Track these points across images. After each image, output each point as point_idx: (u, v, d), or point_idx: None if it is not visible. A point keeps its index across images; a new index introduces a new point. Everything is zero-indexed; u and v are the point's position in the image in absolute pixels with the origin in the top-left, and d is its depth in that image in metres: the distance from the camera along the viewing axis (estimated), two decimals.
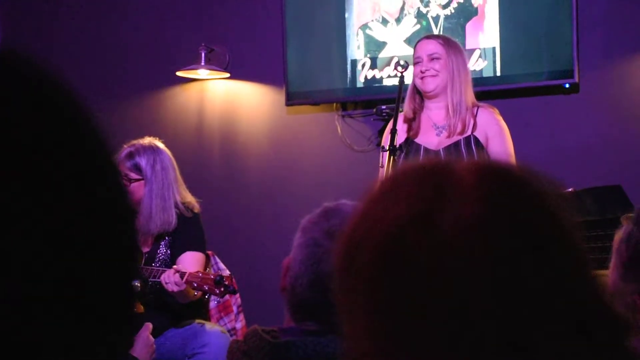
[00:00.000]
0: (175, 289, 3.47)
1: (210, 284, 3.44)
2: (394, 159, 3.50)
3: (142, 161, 3.79)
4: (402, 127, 3.78)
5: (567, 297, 0.84)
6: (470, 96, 3.75)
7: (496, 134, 3.72)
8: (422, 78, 3.76)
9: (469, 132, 3.72)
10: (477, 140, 3.70)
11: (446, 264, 0.82)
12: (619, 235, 1.70)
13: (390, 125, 3.75)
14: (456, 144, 3.71)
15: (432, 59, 3.75)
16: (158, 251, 3.85)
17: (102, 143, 0.71)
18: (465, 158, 3.37)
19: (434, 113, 3.79)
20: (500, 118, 3.78)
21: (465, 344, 0.81)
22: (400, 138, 3.75)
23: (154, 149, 3.84)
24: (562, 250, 0.86)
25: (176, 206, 3.81)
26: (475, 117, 3.74)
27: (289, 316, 1.66)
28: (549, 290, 0.83)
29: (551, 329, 0.82)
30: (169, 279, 3.47)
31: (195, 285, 3.46)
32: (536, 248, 0.84)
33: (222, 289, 3.44)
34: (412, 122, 3.77)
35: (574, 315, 0.84)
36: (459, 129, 3.71)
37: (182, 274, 3.48)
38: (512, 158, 3.74)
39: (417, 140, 3.77)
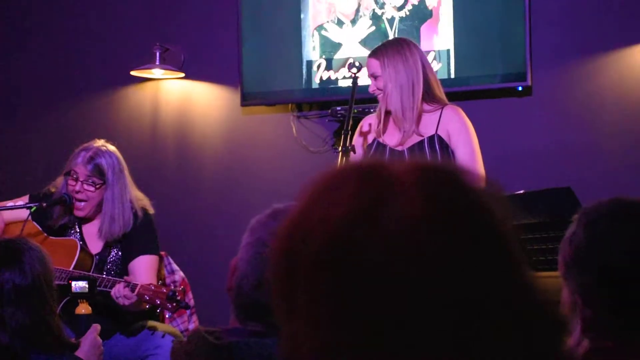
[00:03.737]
0: (126, 302, 3.43)
1: (162, 298, 3.40)
2: (346, 159, 3.50)
3: (104, 165, 3.77)
4: (372, 128, 3.81)
5: (502, 296, 0.85)
6: (419, 96, 3.72)
7: (457, 132, 3.72)
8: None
9: (432, 132, 3.73)
10: (440, 139, 3.71)
11: (390, 261, 0.83)
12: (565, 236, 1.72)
13: (360, 127, 3.77)
14: (420, 144, 3.72)
15: (374, 78, 3.76)
16: (110, 253, 3.83)
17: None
18: (428, 157, 3.39)
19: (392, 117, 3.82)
20: (463, 116, 3.78)
21: (406, 339, 0.82)
22: (370, 138, 3.79)
23: (110, 152, 3.82)
24: (497, 248, 0.87)
25: (131, 207, 3.80)
26: (440, 116, 3.75)
27: (234, 316, 1.65)
28: (485, 287, 0.84)
29: (486, 326, 0.83)
30: (119, 293, 3.44)
31: (146, 298, 3.42)
32: (473, 246, 0.85)
33: (175, 304, 3.40)
34: (380, 122, 3.79)
35: (509, 314, 0.85)
36: (411, 131, 3.72)
37: (133, 287, 3.44)
38: (476, 155, 3.73)
39: (381, 139, 3.79)
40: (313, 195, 0.90)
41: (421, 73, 3.71)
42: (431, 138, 3.72)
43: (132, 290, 3.41)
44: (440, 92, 3.79)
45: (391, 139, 3.78)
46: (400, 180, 0.86)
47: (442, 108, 3.76)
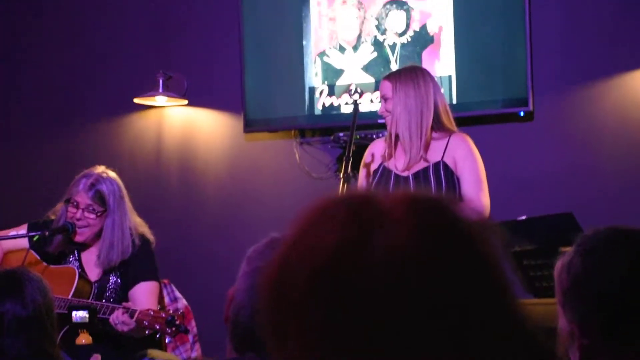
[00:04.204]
0: (125, 329, 3.42)
1: (162, 323, 3.38)
2: (348, 186, 3.51)
3: (105, 192, 3.76)
4: (377, 154, 3.83)
5: (490, 327, 0.86)
6: (429, 123, 3.75)
7: (463, 159, 3.73)
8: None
9: (438, 159, 3.74)
10: (446, 166, 3.72)
11: (377, 291, 0.84)
12: (559, 263, 1.71)
13: (364, 158, 3.79)
14: (425, 170, 3.73)
15: (385, 99, 3.79)
16: (109, 281, 3.82)
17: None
18: (433, 184, 3.38)
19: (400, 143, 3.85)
20: (470, 143, 3.79)
21: None
22: (376, 163, 3.80)
23: (111, 179, 3.81)
24: (485, 280, 0.88)
25: (130, 234, 3.79)
26: (447, 143, 3.76)
27: (231, 347, 1.65)
28: (473, 318, 0.85)
29: (473, 354, 0.84)
30: (118, 320, 3.42)
31: (145, 324, 3.40)
32: (459, 278, 0.86)
33: (174, 329, 3.39)
34: (388, 146, 3.81)
35: (496, 344, 0.86)
36: (418, 157, 3.73)
37: (132, 313, 3.43)
38: (481, 184, 3.73)
39: (387, 164, 3.80)
40: (304, 225, 0.91)
41: (432, 101, 3.74)
42: (436, 165, 3.73)
43: (131, 317, 3.40)
44: (449, 121, 3.81)
45: (398, 163, 3.79)
46: (390, 211, 0.88)
47: (450, 135, 3.77)
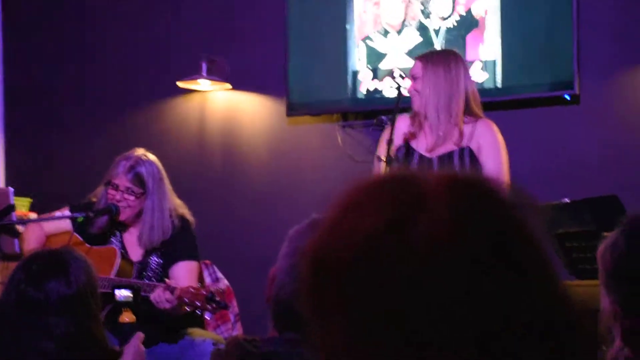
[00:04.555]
0: (167, 306, 3.45)
1: (202, 300, 3.42)
2: (390, 169, 3.50)
3: (144, 174, 3.80)
4: (404, 127, 3.81)
5: (532, 308, 0.85)
6: (459, 107, 3.74)
7: (487, 145, 3.73)
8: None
9: (465, 144, 3.73)
10: (471, 152, 3.72)
11: (417, 274, 0.83)
12: (603, 244, 1.70)
13: (385, 135, 3.76)
14: (450, 155, 3.73)
15: (414, 79, 3.79)
16: (150, 260, 3.86)
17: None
18: (457, 169, 3.37)
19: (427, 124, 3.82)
20: (496, 130, 3.78)
21: (434, 351, 0.82)
22: (398, 140, 3.78)
23: (150, 162, 3.85)
24: (528, 261, 0.86)
25: (170, 215, 3.83)
26: (474, 129, 3.75)
27: (273, 326, 1.66)
28: (515, 301, 0.84)
29: (516, 339, 0.83)
30: (160, 298, 3.46)
31: (186, 301, 3.44)
32: (501, 265, 0.85)
33: (214, 305, 3.42)
34: (414, 123, 3.80)
35: (540, 327, 0.84)
36: (444, 138, 3.73)
37: (172, 290, 3.46)
38: (503, 172, 3.73)
39: (412, 143, 3.79)
40: (346, 206, 0.90)
41: (462, 85, 3.74)
42: (462, 150, 3.73)
43: (172, 294, 3.44)
44: (478, 107, 3.81)
45: (423, 144, 3.78)
46: (431, 195, 0.86)
47: (477, 121, 3.77)
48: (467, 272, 0.83)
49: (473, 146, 3.72)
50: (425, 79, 3.73)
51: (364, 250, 0.85)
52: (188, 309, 3.52)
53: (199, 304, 3.41)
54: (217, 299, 3.40)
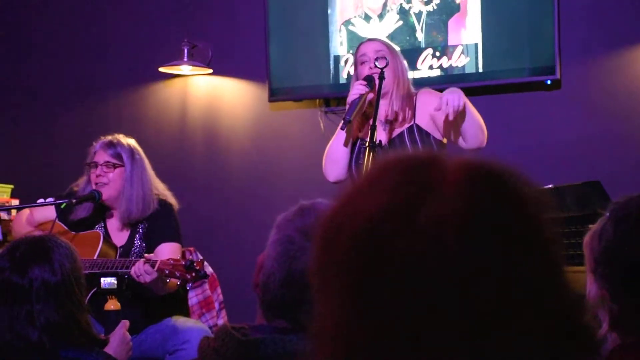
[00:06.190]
0: (148, 278, 3.47)
1: (181, 269, 3.46)
2: (373, 155, 3.48)
3: (122, 150, 3.86)
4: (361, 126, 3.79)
5: (536, 301, 0.84)
6: (408, 84, 3.78)
7: (428, 99, 3.71)
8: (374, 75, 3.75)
9: (411, 122, 3.72)
10: (419, 128, 3.70)
11: (419, 257, 0.83)
12: (591, 231, 1.70)
13: (350, 96, 3.73)
14: (400, 136, 3.72)
15: (381, 58, 3.74)
16: (133, 244, 3.87)
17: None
18: (410, 148, 3.30)
19: (382, 110, 3.75)
20: (434, 91, 3.77)
21: (431, 336, 0.82)
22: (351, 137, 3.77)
23: (128, 141, 3.92)
24: (535, 255, 0.86)
25: (152, 193, 3.86)
26: (415, 105, 3.74)
27: (261, 313, 1.65)
28: (518, 292, 0.83)
29: (516, 330, 0.82)
30: (140, 271, 3.48)
31: (167, 272, 3.48)
32: (508, 248, 0.84)
33: (194, 274, 3.46)
34: (364, 122, 3.78)
35: (541, 319, 0.84)
36: (399, 120, 3.72)
37: (152, 263, 3.49)
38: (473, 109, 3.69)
39: (367, 138, 3.76)
40: (355, 187, 0.90)
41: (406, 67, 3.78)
42: (410, 128, 3.71)
43: (152, 267, 3.47)
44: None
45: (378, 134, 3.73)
46: (443, 179, 0.86)
47: (415, 96, 3.75)
48: (466, 259, 0.82)
49: (420, 121, 3.70)
50: (395, 62, 3.73)
51: (368, 229, 0.85)
52: (169, 281, 3.55)
53: (178, 274, 3.45)
54: (197, 267, 3.44)
